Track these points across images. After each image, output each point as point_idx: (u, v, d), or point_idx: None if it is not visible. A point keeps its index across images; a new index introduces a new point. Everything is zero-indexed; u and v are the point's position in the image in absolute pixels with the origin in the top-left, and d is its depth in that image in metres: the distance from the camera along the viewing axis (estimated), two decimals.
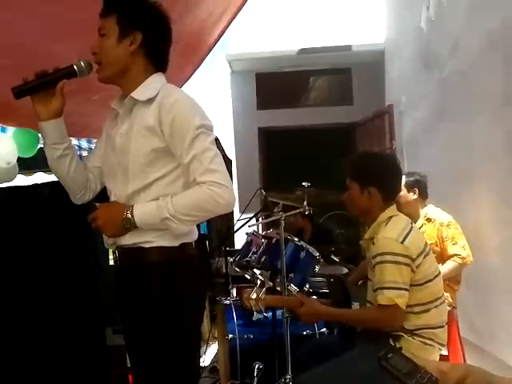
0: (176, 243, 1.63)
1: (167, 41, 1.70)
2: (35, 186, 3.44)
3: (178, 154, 1.57)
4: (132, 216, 1.56)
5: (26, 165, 4.22)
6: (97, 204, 1.67)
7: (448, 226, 3.26)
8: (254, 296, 2.40)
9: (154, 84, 1.64)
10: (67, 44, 2.07)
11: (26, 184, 3.79)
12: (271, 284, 2.67)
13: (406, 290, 1.95)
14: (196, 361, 1.77)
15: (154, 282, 1.60)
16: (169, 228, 1.57)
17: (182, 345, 1.63)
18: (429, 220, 3.33)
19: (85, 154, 4.57)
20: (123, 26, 1.61)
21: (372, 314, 2.07)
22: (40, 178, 4.79)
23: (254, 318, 2.87)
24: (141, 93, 1.61)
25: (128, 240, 1.62)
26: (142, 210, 1.57)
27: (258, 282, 2.70)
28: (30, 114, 1.67)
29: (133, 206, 1.57)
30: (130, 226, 1.57)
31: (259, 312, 2.54)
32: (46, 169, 5.01)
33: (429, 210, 3.39)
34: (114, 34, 1.61)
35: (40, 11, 1.80)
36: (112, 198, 1.69)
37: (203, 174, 1.53)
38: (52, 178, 5.07)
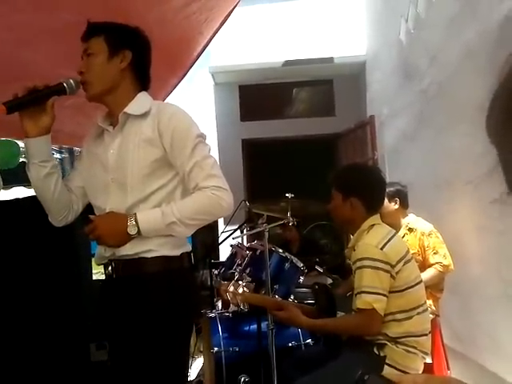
0: (177, 252, 1.66)
1: (150, 59, 1.76)
2: (16, 200, 3.39)
3: (179, 163, 1.62)
4: (137, 223, 1.57)
5: (5, 179, 4.17)
6: (91, 216, 1.65)
7: (429, 235, 3.30)
8: (231, 289, 2.42)
9: (144, 100, 1.70)
10: (37, 50, 2.07)
11: (5, 198, 3.74)
12: (249, 279, 2.67)
13: (384, 295, 1.97)
14: (185, 373, 1.80)
15: (155, 293, 1.61)
16: (174, 233, 1.60)
17: (174, 355, 1.64)
18: (410, 230, 3.37)
19: (68, 167, 4.53)
20: (113, 45, 1.66)
21: (349, 319, 2.10)
22: (19, 192, 4.73)
23: (229, 310, 2.87)
24: (134, 108, 1.66)
25: (129, 250, 1.62)
26: (146, 217, 1.58)
27: (236, 276, 2.70)
28: (8, 125, 1.66)
29: (135, 214, 1.59)
30: (134, 233, 1.58)
31: (236, 305, 2.55)
32: (26, 183, 4.96)
33: (410, 219, 3.43)
34: (104, 53, 1.65)
35: (10, 20, 1.80)
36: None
37: (205, 180, 1.59)
38: (32, 192, 5.02)
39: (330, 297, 2.37)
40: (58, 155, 4.47)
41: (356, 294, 2.01)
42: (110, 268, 1.69)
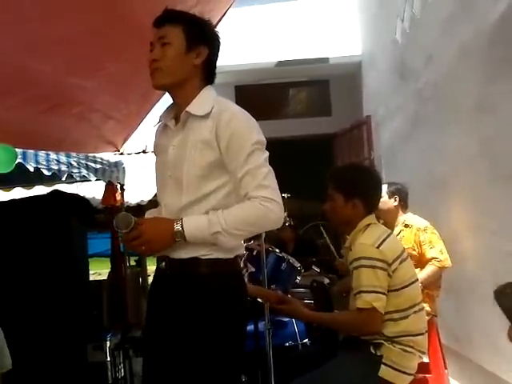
0: (231, 255, 1.64)
1: (218, 57, 1.74)
2: (13, 201, 3.39)
3: (232, 168, 1.58)
4: (183, 229, 1.54)
5: (4, 180, 4.16)
6: (135, 219, 1.60)
7: (425, 230, 3.32)
8: None
9: (208, 98, 1.67)
10: (45, 59, 2.07)
11: (3, 200, 3.73)
12: (254, 269, 2.67)
13: (383, 293, 1.98)
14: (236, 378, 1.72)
15: (207, 293, 1.59)
16: (217, 242, 1.56)
17: (223, 359, 1.58)
18: (406, 226, 3.39)
19: (64, 167, 4.52)
20: (191, 38, 1.63)
21: (351, 317, 2.10)
22: (18, 193, 4.73)
23: None
24: (196, 107, 1.63)
25: (184, 254, 1.60)
26: (192, 224, 1.56)
27: (241, 264, 2.70)
28: (4, 131, 1.67)
29: (182, 219, 1.56)
30: (180, 239, 1.56)
31: None
32: (24, 184, 4.96)
33: (407, 216, 3.46)
34: (181, 45, 1.62)
35: (18, 29, 1.80)
36: (162, 209, 1.69)
37: (256, 189, 1.55)
38: (30, 193, 5.01)
39: (327, 295, 2.38)
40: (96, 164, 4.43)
41: (355, 294, 2.01)
42: (163, 263, 1.67)
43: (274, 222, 1.58)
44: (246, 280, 2.51)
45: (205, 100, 1.66)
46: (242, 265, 2.80)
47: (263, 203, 1.54)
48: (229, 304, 1.60)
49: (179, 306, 1.61)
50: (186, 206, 1.60)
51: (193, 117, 1.63)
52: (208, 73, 1.71)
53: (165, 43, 1.62)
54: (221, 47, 1.74)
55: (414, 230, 3.35)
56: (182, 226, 1.55)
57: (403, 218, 3.46)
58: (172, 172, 1.65)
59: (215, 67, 1.74)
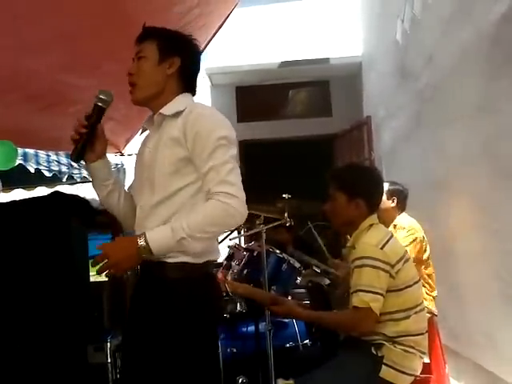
0: (200, 260, 1.64)
1: (199, 68, 1.81)
2: (13, 202, 3.39)
3: (197, 164, 1.61)
4: (147, 243, 1.54)
5: (5, 181, 4.17)
6: (98, 246, 1.61)
7: (399, 228, 3.30)
8: (219, 275, 2.42)
9: (181, 101, 1.72)
10: (38, 57, 2.08)
11: (3, 201, 3.73)
12: (238, 268, 2.67)
13: (381, 295, 1.97)
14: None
15: (174, 299, 1.60)
16: (185, 248, 1.57)
17: (192, 364, 1.60)
18: (394, 226, 3.41)
19: (64, 169, 4.53)
20: (163, 51, 1.71)
21: (345, 315, 2.11)
22: (19, 194, 4.74)
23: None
24: (169, 109, 1.69)
25: (152, 258, 1.60)
26: (156, 235, 1.56)
27: (225, 263, 2.69)
28: (4, 129, 1.67)
29: (144, 234, 1.56)
30: (146, 254, 1.55)
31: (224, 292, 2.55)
32: (25, 185, 4.96)
33: (398, 218, 3.45)
34: (154, 58, 1.70)
35: (11, 27, 1.80)
36: (137, 210, 1.72)
37: (217, 185, 1.56)
38: (31, 194, 5.01)
39: (324, 296, 2.38)
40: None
41: (352, 292, 2.01)
42: (138, 268, 1.74)
43: (235, 218, 1.57)
44: (230, 278, 2.50)
45: (178, 102, 1.71)
46: (234, 264, 2.80)
47: (223, 199, 1.54)
48: (196, 310, 1.60)
49: (150, 311, 1.63)
50: (158, 203, 1.64)
51: (167, 118, 1.69)
52: (186, 82, 1.77)
53: (140, 57, 1.71)
54: (199, 57, 1.81)
55: (397, 229, 3.34)
56: (145, 241, 1.54)
57: (396, 220, 3.45)
58: (147, 173, 1.69)
59: (194, 76, 1.80)
